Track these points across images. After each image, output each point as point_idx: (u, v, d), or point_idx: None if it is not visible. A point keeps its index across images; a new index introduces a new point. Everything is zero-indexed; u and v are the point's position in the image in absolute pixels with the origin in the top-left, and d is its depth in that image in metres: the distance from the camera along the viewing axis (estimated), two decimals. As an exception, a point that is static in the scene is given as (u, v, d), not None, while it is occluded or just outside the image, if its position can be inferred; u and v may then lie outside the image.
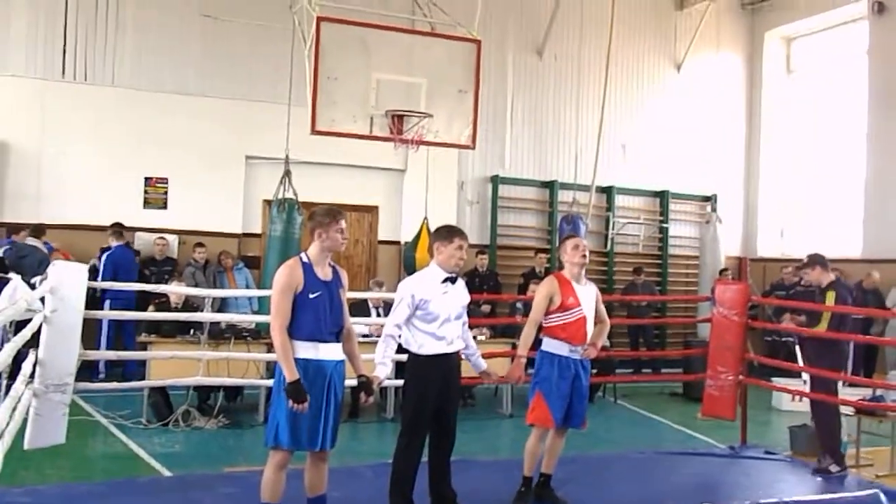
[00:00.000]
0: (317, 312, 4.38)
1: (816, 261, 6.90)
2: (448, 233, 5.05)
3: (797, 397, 8.98)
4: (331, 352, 4.45)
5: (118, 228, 10.40)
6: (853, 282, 10.99)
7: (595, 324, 5.63)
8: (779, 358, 10.01)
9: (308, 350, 4.37)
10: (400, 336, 4.93)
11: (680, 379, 10.95)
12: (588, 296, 5.55)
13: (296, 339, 4.37)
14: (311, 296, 4.37)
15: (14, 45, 10.80)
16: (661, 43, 14.76)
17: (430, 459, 5.05)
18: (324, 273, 4.49)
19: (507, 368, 5.67)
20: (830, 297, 6.70)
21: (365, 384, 4.60)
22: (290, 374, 4.26)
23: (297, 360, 4.31)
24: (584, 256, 5.52)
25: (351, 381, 4.70)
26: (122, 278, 9.35)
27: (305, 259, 4.49)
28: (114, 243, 10.25)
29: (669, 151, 14.61)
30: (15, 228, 9.90)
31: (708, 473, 6.75)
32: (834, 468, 6.58)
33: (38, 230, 9.70)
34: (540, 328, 5.52)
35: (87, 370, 8.27)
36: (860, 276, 11.63)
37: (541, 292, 5.53)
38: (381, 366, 4.82)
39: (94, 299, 9.67)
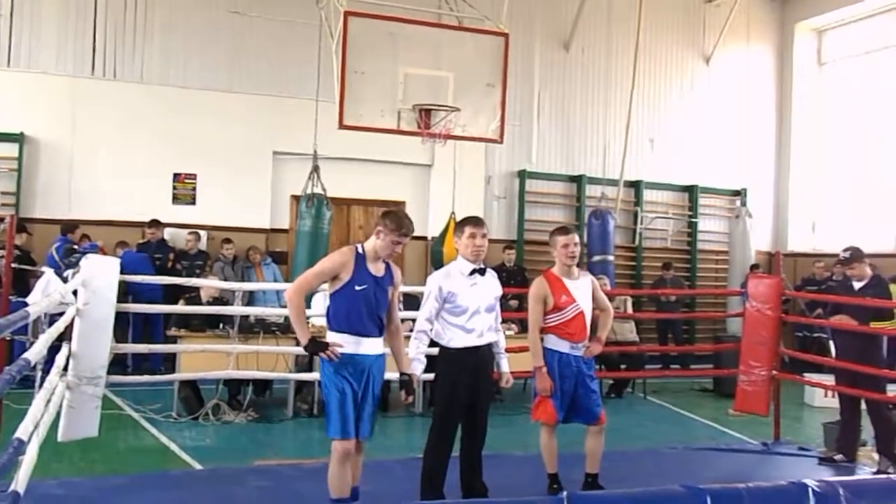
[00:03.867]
0: (360, 305, 4.41)
1: (861, 255, 6.75)
2: (460, 224, 5.03)
3: (830, 393, 8.86)
4: (372, 346, 4.49)
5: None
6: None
7: (596, 316, 5.56)
8: (810, 353, 9.87)
9: (350, 344, 4.39)
10: (431, 330, 4.90)
11: (712, 374, 10.83)
12: (583, 289, 5.44)
13: (340, 331, 4.40)
14: (358, 288, 4.39)
15: (44, 43, 10.92)
16: (690, 36, 14.62)
17: (462, 453, 5.02)
18: (375, 268, 4.50)
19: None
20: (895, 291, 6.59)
21: (407, 382, 4.65)
22: (304, 335, 4.38)
23: (342, 355, 4.36)
24: (573, 256, 5.38)
25: (390, 375, 4.76)
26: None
27: (360, 250, 4.49)
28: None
29: (698, 145, 14.49)
30: (69, 226, 10.00)
31: (741, 470, 6.66)
32: (892, 469, 6.44)
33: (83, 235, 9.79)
34: (542, 328, 5.43)
35: (115, 364, 8.32)
36: (894, 272, 11.43)
37: (532, 296, 5.42)
38: (416, 362, 4.82)
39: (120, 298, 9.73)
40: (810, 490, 3.15)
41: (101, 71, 11.15)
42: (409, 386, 4.65)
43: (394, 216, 4.51)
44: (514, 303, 10.96)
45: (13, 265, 8.14)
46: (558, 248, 5.42)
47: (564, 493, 2.96)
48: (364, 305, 4.41)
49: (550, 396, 5.33)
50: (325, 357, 4.34)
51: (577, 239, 5.46)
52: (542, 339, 5.41)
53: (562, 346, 5.36)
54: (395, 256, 4.64)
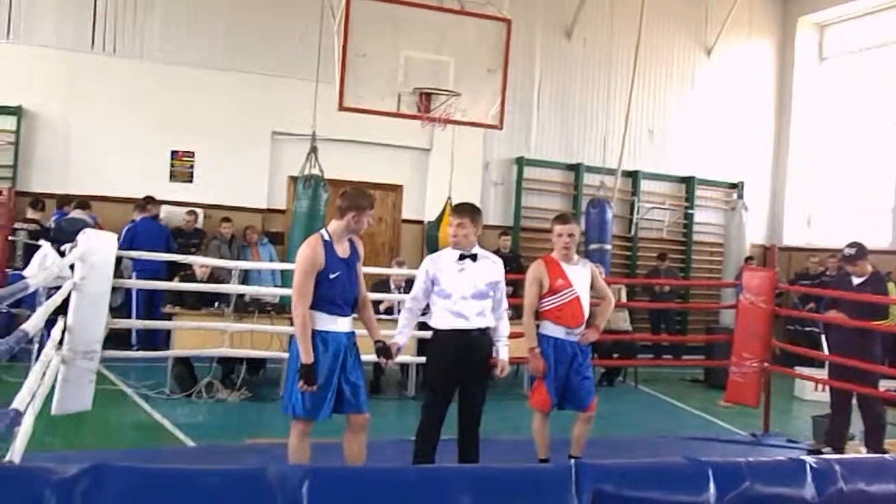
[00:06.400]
0: (335, 290, 4.53)
1: (866, 252, 6.75)
2: (448, 212, 5.14)
3: (819, 387, 8.93)
4: (347, 324, 4.64)
5: (142, 202, 10.47)
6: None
7: (596, 304, 5.61)
8: (801, 347, 9.93)
9: (327, 323, 4.53)
10: (421, 311, 5.08)
11: (703, 365, 10.88)
12: (581, 275, 5.50)
13: (316, 311, 4.50)
14: (332, 276, 4.50)
15: (44, 17, 10.85)
16: (692, 27, 14.59)
17: (458, 435, 5.09)
18: (342, 250, 4.62)
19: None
20: (893, 290, 6.64)
21: (382, 349, 4.77)
22: (307, 356, 4.41)
23: (316, 332, 4.46)
24: (566, 247, 5.44)
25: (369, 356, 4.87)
26: (146, 251, 9.38)
27: (327, 237, 4.59)
28: (137, 217, 10.33)
29: (697, 137, 14.49)
30: (66, 200, 10.02)
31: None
32: None
33: (83, 203, 9.84)
34: (538, 313, 5.49)
35: (118, 341, 8.35)
36: (888, 269, 11.45)
37: (529, 278, 5.51)
38: (400, 335, 4.97)
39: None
40: (808, 466, 3.22)
41: (101, 46, 11.10)
42: (387, 352, 4.77)
43: (357, 195, 4.64)
44: (508, 289, 10.98)
45: (28, 240, 8.22)
46: (554, 237, 5.51)
47: (572, 460, 3.02)
48: (338, 289, 4.54)
49: (543, 378, 5.38)
50: (301, 388, 4.42)
51: (572, 230, 5.48)
52: (538, 325, 5.45)
53: (557, 331, 5.41)
54: (366, 233, 4.79)
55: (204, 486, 2.48)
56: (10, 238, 9.32)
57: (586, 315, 5.50)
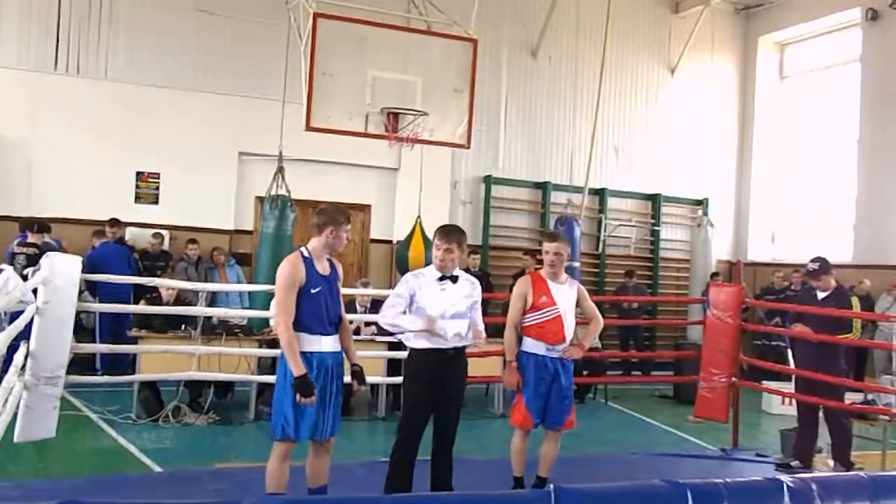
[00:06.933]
0: (318, 307, 4.51)
1: (829, 267, 6.86)
2: (434, 234, 5.10)
3: (787, 400, 9.02)
4: (331, 344, 4.60)
5: (100, 228, 10.32)
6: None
7: (584, 323, 5.64)
8: (768, 361, 10.02)
9: (312, 343, 4.50)
10: (393, 325, 5.01)
11: (672, 380, 10.95)
12: (566, 294, 5.53)
13: (300, 332, 4.47)
14: (313, 291, 4.49)
15: (6, 38, 10.71)
16: (656, 46, 14.79)
17: (432, 455, 5.06)
18: (322, 268, 4.62)
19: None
20: (857, 304, 6.75)
21: (358, 373, 4.75)
22: (298, 369, 4.37)
23: (302, 354, 4.42)
24: (552, 264, 5.50)
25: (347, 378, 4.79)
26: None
27: (306, 254, 4.58)
28: (96, 243, 10.16)
29: (662, 155, 14.65)
30: (30, 222, 9.78)
31: (702, 475, 6.70)
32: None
33: (44, 226, 9.58)
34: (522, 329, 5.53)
35: (83, 366, 8.19)
36: (851, 282, 11.64)
37: (514, 293, 5.57)
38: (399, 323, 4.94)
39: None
40: (785, 485, 3.25)
41: (65, 67, 10.97)
42: (361, 376, 4.76)
43: (334, 211, 4.67)
44: (478, 307, 10.99)
45: (28, 264, 7.89)
46: (542, 253, 5.60)
47: (552, 485, 3.02)
48: (321, 306, 4.53)
49: (522, 394, 5.37)
50: (299, 401, 4.37)
51: (559, 248, 5.53)
52: (520, 341, 5.48)
53: (538, 348, 5.43)
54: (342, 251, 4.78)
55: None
56: (9, 264, 9.03)
57: (569, 334, 5.51)
